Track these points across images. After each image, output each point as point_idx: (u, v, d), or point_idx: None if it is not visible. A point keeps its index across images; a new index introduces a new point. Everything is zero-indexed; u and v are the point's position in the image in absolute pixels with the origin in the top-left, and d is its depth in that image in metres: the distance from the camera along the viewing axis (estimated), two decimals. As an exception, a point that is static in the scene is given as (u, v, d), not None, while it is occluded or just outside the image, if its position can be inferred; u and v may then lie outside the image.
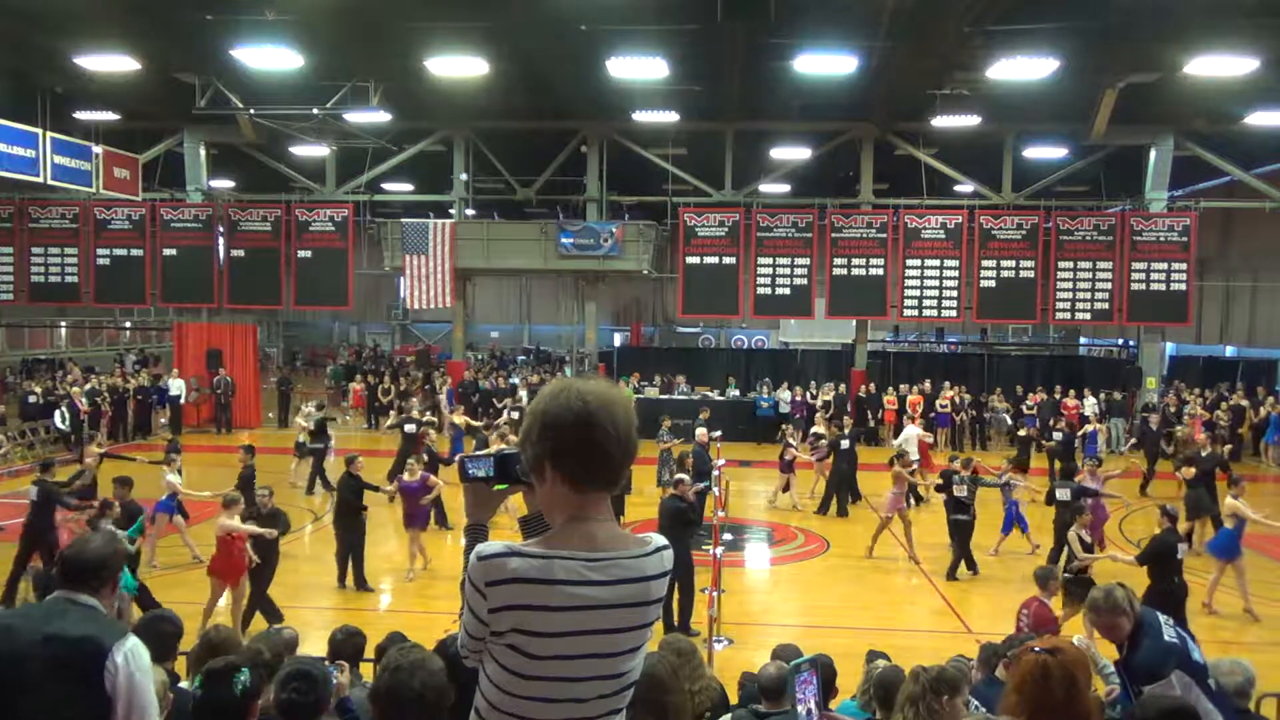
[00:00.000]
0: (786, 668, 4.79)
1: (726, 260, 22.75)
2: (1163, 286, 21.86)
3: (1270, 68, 15.57)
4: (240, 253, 23.35)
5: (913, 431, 17.02)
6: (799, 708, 2.74)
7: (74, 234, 23.27)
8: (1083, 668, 2.51)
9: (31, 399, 20.57)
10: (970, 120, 19.73)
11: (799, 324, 31.01)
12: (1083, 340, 33.27)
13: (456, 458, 2.26)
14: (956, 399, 22.21)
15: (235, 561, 9.42)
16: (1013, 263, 22.16)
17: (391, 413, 18.60)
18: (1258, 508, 11.51)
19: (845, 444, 15.45)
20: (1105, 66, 17.45)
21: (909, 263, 22.37)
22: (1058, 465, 16.76)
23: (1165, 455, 17.85)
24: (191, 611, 8.57)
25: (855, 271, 22.44)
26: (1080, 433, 18.35)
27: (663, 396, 23.03)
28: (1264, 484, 18.75)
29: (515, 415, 19.18)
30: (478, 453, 2.20)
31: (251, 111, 19.82)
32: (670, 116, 20.35)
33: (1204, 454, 14.29)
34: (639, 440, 2.03)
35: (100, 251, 23.31)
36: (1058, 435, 17.46)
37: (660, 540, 2.09)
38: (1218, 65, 15.20)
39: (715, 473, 12.54)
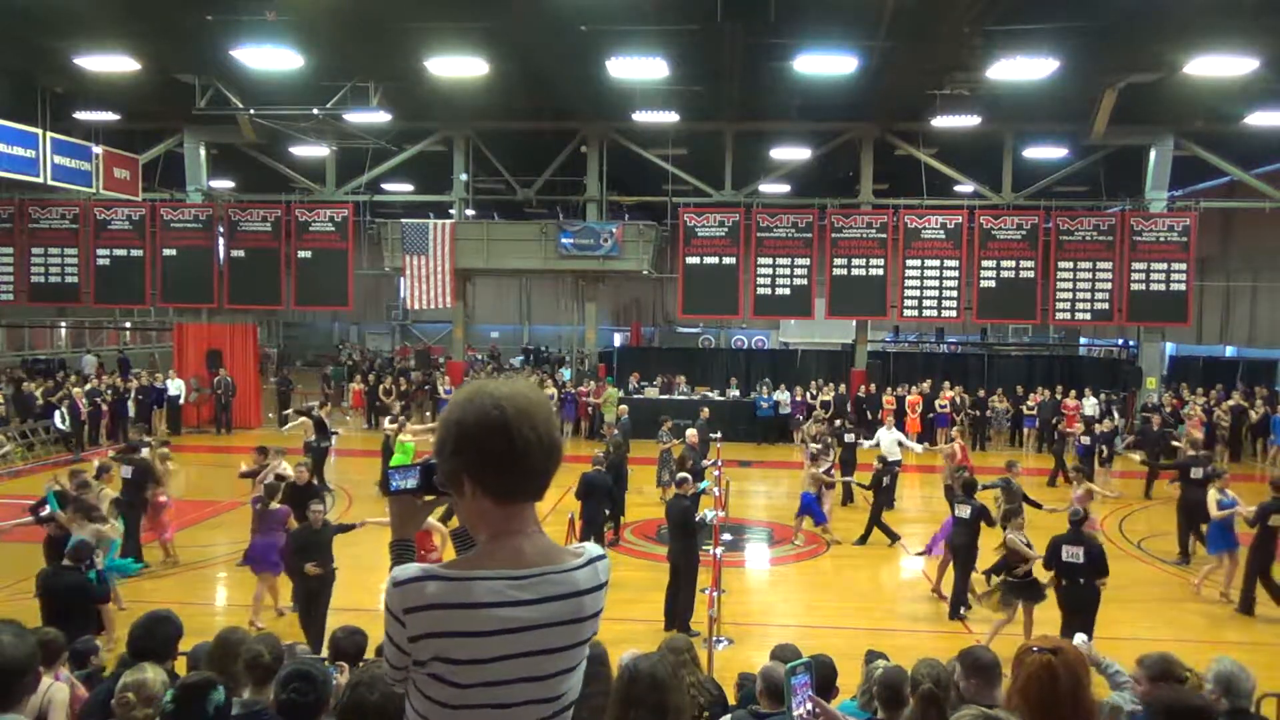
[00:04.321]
0: (783, 668, 4.80)
1: (726, 260, 22.75)
2: (1163, 286, 21.86)
3: (1270, 68, 15.58)
4: (240, 253, 23.35)
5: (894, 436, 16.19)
6: (796, 710, 2.73)
7: (74, 234, 23.28)
8: (1084, 667, 2.50)
9: (35, 400, 20.55)
10: (970, 120, 19.72)
11: (799, 324, 31.01)
12: (1083, 340, 33.27)
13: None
14: (956, 399, 22.22)
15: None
16: (1013, 263, 22.16)
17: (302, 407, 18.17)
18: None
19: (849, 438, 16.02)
20: (1105, 66, 17.45)
21: (909, 263, 22.37)
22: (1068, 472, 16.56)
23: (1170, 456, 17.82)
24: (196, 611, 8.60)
25: (855, 272, 22.44)
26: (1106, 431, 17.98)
27: (663, 397, 23.02)
28: (1262, 485, 18.72)
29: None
30: (404, 464, 2.04)
31: (251, 112, 19.82)
32: (670, 117, 20.33)
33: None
34: (563, 441, 1.89)
35: (100, 252, 23.31)
36: (1084, 440, 16.99)
37: (595, 550, 1.97)
38: (1218, 65, 15.19)
39: (715, 471, 12.54)
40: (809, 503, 13.42)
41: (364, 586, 10.00)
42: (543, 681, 1.84)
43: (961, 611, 10.36)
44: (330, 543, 9.08)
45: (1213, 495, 11.28)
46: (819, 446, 14.77)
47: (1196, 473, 12.84)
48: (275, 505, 9.90)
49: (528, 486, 1.85)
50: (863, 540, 13.53)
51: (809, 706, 2.73)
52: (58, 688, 4.45)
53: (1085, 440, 17.08)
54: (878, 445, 15.41)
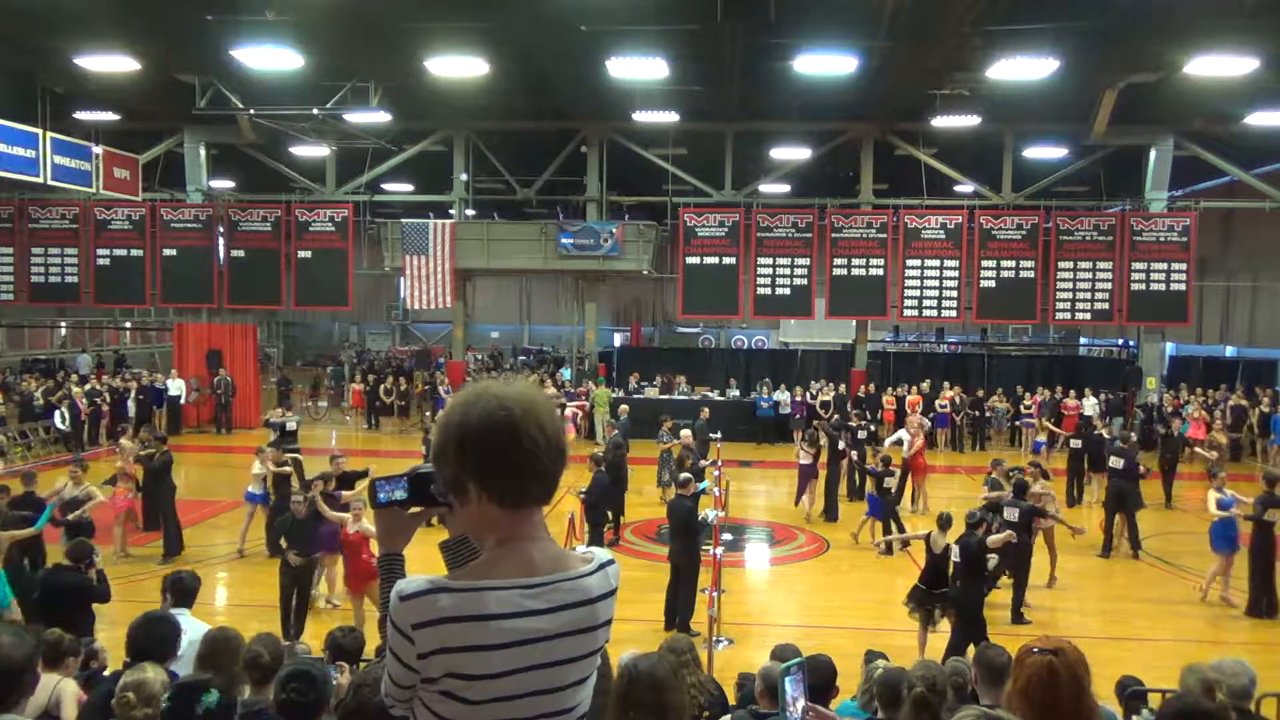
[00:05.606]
0: (779, 668, 4.81)
1: (726, 260, 22.75)
2: (1163, 286, 21.86)
3: (1270, 68, 15.56)
4: (240, 253, 23.36)
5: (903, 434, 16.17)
6: (790, 709, 2.73)
7: (74, 234, 23.28)
8: (1085, 668, 2.49)
9: (35, 402, 20.54)
10: (970, 120, 19.72)
11: (799, 324, 30.99)
12: (1083, 340, 33.25)
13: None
14: (956, 399, 22.21)
15: (369, 566, 8.82)
16: (1013, 263, 22.16)
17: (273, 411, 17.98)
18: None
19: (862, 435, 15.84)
20: (1105, 66, 17.43)
21: (909, 263, 22.37)
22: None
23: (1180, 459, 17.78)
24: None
25: (855, 271, 22.44)
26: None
27: (663, 397, 23.00)
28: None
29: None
30: (390, 474, 1.91)
31: (251, 112, 19.81)
32: (670, 117, 20.34)
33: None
34: (568, 444, 1.82)
35: (100, 252, 23.32)
36: (1076, 443, 16.86)
37: (604, 555, 1.90)
38: (1218, 65, 15.18)
39: (715, 471, 12.53)
40: (875, 503, 13.39)
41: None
42: (556, 694, 1.77)
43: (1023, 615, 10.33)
44: (312, 533, 9.43)
45: (1212, 495, 11.28)
46: (808, 445, 14.80)
47: (1116, 462, 13.15)
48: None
49: (536, 490, 1.77)
50: (889, 550, 13.15)
51: (802, 707, 2.72)
52: (67, 683, 4.47)
53: (1042, 438, 17.33)
54: (899, 443, 15.40)
